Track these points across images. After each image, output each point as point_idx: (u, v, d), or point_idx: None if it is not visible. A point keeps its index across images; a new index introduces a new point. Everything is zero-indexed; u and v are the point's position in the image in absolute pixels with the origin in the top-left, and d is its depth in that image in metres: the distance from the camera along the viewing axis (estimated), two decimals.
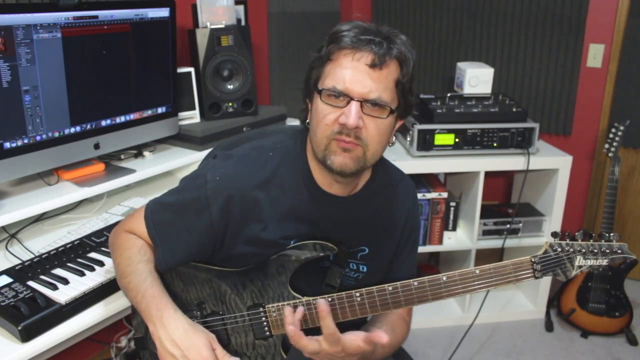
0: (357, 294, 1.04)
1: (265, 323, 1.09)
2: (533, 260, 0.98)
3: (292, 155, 1.11)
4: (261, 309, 1.08)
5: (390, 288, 1.02)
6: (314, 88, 1.03)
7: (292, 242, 1.10)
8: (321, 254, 1.08)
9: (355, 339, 0.99)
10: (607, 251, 0.98)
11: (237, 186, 1.05)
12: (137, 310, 1.07)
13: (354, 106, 0.96)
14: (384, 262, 1.20)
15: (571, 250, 0.98)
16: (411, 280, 1.02)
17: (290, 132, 1.16)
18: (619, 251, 0.98)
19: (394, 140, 1.08)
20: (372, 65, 0.96)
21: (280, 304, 1.08)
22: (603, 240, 0.99)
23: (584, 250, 0.98)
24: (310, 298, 1.06)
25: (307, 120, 1.08)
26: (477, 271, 0.99)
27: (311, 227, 1.11)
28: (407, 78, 1.00)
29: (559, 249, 0.99)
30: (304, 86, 1.08)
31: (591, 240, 0.99)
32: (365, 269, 1.18)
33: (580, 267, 0.98)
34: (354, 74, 0.96)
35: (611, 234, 0.98)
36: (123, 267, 1.08)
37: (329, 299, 1.04)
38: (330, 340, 0.96)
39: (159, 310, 1.00)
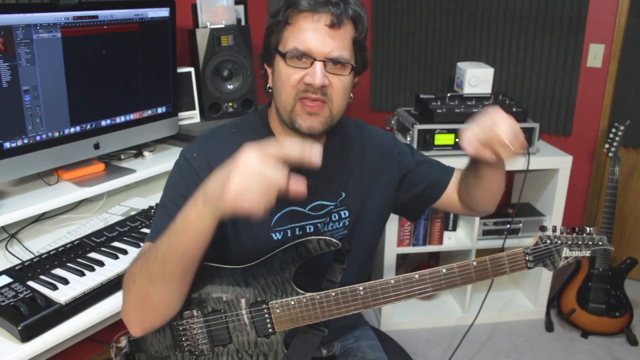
0: (361, 288, 1.06)
1: (268, 320, 1.09)
2: (525, 251, 1.08)
3: (255, 126, 1.15)
4: (264, 306, 1.09)
5: (392, 281, 1.05)
6: (274, 52, 1.05)
7: (274, 218, 1.12)
8: (325, 250, 1.09)
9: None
10: (590, 243, 1.08)
11: (212, 155, 1.08)
12: (173, 249, 0.91)
13: (319, 66, 1.00)
14: (358, 199, 1.22)
15: (559, 242, 1.08)
16: (412, 273, 1.06)
17: (251, 112, 1.19)
18: (600, 243, 1.08)
19: (351, 96, 1.12)
20: (331, 25, 0.99)
21: (283, 300, 1.08)
22: (585, 234, 1.09)
23: (569, 242, 1.08)
24: (314, 294, 1.07)
25: (269, 85, 1.11)
26: (475, 263, 1.06)
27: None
28: (362, 36, 1.04)
29: (548, 241, 1.08)
30: (263, 52, 1.11)
31: (574, 234, 1.09)
32: (347, 214, 1.20)
33: (566, 257, 1.08)
34: (314, 35, 1.00)
35: (591, 228, 1.09)
36: (138, 268, 0.98)
37: (333, 294, 1.06)
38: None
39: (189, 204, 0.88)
